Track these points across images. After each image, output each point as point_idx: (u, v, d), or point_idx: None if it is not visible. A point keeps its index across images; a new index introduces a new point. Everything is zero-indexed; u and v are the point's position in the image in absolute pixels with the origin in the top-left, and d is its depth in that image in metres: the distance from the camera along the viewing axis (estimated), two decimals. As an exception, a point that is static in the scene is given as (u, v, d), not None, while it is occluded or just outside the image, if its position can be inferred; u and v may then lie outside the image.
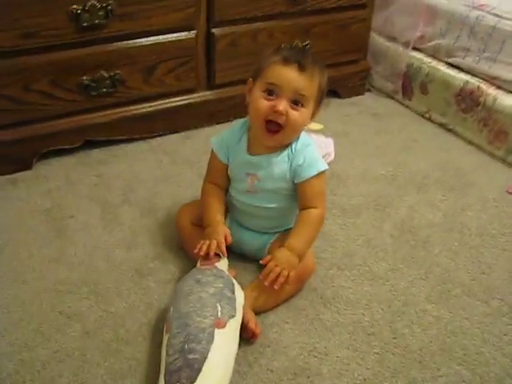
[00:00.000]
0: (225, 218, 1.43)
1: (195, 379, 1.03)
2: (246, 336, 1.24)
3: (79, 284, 1.40)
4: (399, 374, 1.20)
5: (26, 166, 1.81)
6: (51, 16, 1.63)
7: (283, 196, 1.38)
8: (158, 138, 2.01)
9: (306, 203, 1.35)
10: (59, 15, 1.63)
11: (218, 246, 1.31)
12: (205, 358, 1.06)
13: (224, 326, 1.13)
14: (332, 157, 1.90)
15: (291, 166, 1.34)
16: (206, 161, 1.48)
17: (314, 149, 1.38)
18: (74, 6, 1.64)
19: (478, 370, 1.21)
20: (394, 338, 1.28)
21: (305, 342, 1.27)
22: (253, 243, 1.45)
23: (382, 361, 1.23)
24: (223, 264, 1.32)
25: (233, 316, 1.17)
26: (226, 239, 1.33)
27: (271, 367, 1.20)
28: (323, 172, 1.35)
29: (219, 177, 1.43)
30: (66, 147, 1.86)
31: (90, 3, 1.65)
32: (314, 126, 1.96)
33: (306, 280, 1.40)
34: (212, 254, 1.30)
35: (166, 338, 1.14)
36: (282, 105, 1.26)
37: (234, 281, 1.27)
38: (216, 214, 1.39)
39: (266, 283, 1.26)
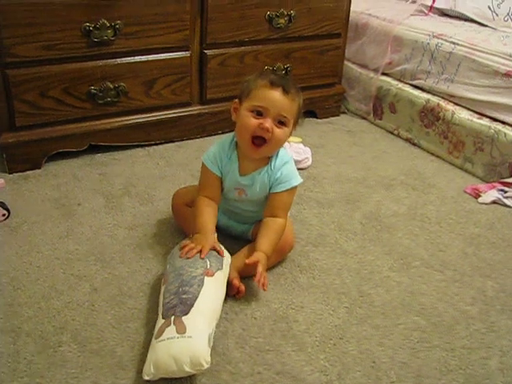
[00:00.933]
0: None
1: (188, 312, 1.23)
2: (232, 293, 1.44)
3: (87, 254, 1.60)
4: (365, 322, 1.40)
5: (36, 166, 2.02)
6: (68, 31, 1.88)
7: (262, 201, 1.58)
8: (154, 146, 2.24)
9: (273, 211, 1.53)
10: (74, 31, 1.89)
11: (201, 252, 1.39)
12: (196, 297, 1.26)
13: (212, 275, 1.34)
14: (309, 162, 2.14)
15: (270, 180, 1.53)
16: (196, 164, 1.68)
17: (291, 165, 1.56)
18: (87, 24, 1.90)
19: (433, 319, 1.42)
20: (361, 297, 1.49)
21: (284, 298, 1.47)
22: (237, 229, 1.67)
23: (351, 313, 1.43)
24: None
25: (220, 269, 1.38)
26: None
27: (255, 315, 1.40)
28: (295, 187, 1.55)
29: (213, 190, 1.55)
30: (73, 150, 2.08)
31: (101, 21, 1.91)
32: (293, 139, 2.23)
33: (287, 253, 1.61)
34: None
35: (163, 288, 1.34)
36: (269, 123, 1.43)
37: (221, 246, 1.47)
38: (208, 223, 1.49)
39: (264, 288, 1.41)
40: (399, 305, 1.47)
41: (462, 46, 2.19)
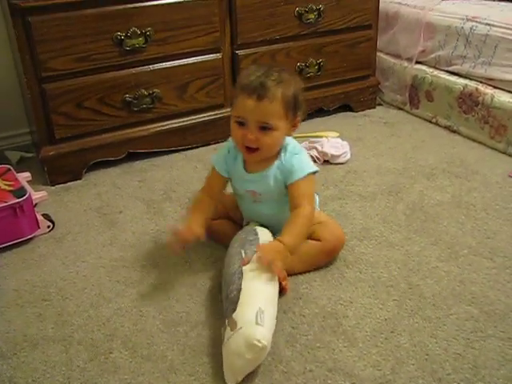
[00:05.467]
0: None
1: (236, 308, 1.24)
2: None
3: (132, 261, 1.61)
4: (416, 314, 1.37)
5: (77, 176, 2.05)
6: (100, 42, 1.91)
7: (283, 203, 1.52)
8: (191, 150, 2.25)
9: (294, 202, 1.47)
10: (106, 41, 1.91)
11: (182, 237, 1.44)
12: (239, 290, 1.27)
13: (248, 262, 1.34)
14: (348, 156, 2.12)
15: (283, 174, 1.49)
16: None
17: (303, 156, 1.51)
18: (119, 33, 1.91)
19: (485, 308, 1.38)
20: (410, 289, 1.46)
21: (331, 294, 1.45)
22: None
23: (400, 305, 1.40)
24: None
25: (255, 252, 1.37)
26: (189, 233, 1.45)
27: (303, 313, 1.39)
28: (311, 174, 1.49)
29: (213, 188, 1.57)
30: (112, 159, 2.10)
31: (131, 30, 1.93)
32: (330, 134, 2.21)
33: (338, 251, 1.57)
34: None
35: None
36: (251, 133, 1.39)
37: (257, 227, 1.49)
38: (196, 218, 1.50)
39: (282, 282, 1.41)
40: (450, 295, 1.43)
41: (498, 27, 2.12)
